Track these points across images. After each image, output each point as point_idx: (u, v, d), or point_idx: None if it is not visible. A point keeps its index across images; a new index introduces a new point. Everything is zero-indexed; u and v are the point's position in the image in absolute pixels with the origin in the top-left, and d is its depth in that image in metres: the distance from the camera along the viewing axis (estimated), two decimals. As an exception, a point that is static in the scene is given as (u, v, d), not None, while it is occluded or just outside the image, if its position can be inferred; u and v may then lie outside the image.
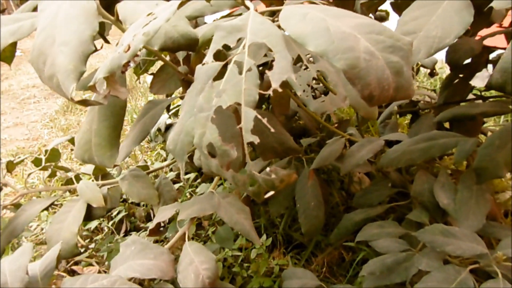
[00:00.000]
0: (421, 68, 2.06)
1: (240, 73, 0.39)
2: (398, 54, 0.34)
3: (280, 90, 0.35)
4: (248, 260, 1.07)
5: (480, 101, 0.96)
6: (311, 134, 1.24)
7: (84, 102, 0.42)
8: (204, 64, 0.39)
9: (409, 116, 1.40)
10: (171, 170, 1.39)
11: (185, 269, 0.52)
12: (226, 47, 0.40)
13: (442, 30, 0.47)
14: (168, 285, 0.52)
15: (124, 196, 1.29)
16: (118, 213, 1.22)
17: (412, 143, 0.81)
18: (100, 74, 0.39)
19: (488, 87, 0.46)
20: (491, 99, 0.96)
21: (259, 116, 0.34)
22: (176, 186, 1.31)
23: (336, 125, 1.20)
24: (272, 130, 0.35)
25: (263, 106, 1.47)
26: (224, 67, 0.42)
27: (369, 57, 0.33)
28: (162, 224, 0.77)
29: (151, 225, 0.64)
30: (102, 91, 0.43)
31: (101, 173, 0.84)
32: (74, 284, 0.43)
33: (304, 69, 0.50)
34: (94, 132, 0.58)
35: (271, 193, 0.36)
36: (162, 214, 0.63)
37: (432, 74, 1.32)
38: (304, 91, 0.49)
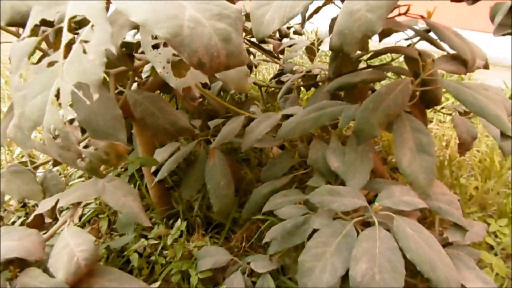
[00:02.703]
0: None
1: (85, 52, 0.38)
2: (225, 21, 0.35)
3: (97, 62, 0.34)
4: (166, 247, 1.06)
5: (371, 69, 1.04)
6: (221, 115, 1.25)
7: None
8: (19, 40, 0.36)
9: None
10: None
11: (58, 253, 0.50)
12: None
13: (293, -1, 0.49)
14: (35, 269, 0.49)
15: (26, 200, 1.19)
16: (18, 219, 1.12)
17: (305, 114, 0.86)
18: None
19: (331, 49, 0.50)
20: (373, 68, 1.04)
21: (75, 90, 0.33)
22: (79, 181, 1.23)
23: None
24: (88, 102, 0.34)
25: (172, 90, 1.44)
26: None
27: (193, 25, 0.34)
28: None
29: (29, 218, 0.60)
30: None
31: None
32: None
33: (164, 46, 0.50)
34: None
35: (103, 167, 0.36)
36: (42, 206, 0.59)
37: (331, 48, 1.40)
38: (164, 68, 0.48)
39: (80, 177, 1.33)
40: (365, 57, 1.05)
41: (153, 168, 1.03)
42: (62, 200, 0.56)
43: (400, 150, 0.76)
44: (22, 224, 1.09)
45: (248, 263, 0.86)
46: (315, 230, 0.74)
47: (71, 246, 0.49)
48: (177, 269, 0.96)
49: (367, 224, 0.73)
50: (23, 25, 0.50)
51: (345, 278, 0.64)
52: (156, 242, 1.06)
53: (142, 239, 1.05)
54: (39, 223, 0.61)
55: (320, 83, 1.20)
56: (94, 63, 0.36)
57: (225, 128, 0.93)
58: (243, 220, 1.17)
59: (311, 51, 1.51)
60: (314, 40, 1.45)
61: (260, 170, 1.39)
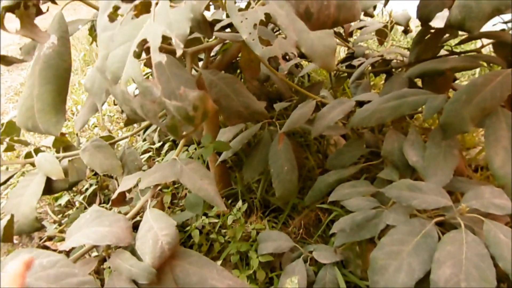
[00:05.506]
0: (398, 27, 2.03)
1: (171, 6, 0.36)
2: (338, -36, 0.31)
3: (183, 16, 0.31)
4: (225, 226, 1.07)
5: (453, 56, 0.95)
6: (286, 98, 1.22)
7: (4, 59, 0.38)
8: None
9: (384, 76, 1.39)
10: (144, 140, 1.36)
11: (144, 236, 0.51)
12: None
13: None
14: (125, 252, 0.51)
15: (96, 169, 1.26)
16: (90, 186, 1.20)
17: (382, 102, 0.80)
18: (5, 1, 0.35)
19: (448, 25, 0.44)
20: (462, 55, 0.94)
21: (168, 31, 0.31)
22: (146, 155, 1.28)
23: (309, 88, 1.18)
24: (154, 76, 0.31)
25: (237, 71, 1.43)
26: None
27: (304, -34, 0.30)
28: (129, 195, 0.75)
29: (113, 195, 0.63)
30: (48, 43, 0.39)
31: (62, 145, 0.81)
32: (16, 256, 0.42)
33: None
34: (36, 98, 0.53)
35: (191, 129, 0.34)
36: (125, 184, 0.61)
37: (406, 31, 1.29)
38: (250, 33, 0.45)
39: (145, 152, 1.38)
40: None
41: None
42: (143, 181, 0.58)
43: (492, 149, 0.69)
44: (93, 191, 1.17)
45: (310, 252, 0.84)
46: (388, 226, 0.70)
47: (155, 229, 0.50)
48: (236, 249, 0.97)
49: (442, 224, 0.67)
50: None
51: (421, 281, 0.59)
52: (215, 220, 1.07)
53: (203, 217, 1.07)
54: (121, 199, 0.64)
55: (393, 69, 1.12)
56: (180, 17, 0.34)
57: (295, 112, 0.89)
58: (301, 207, 1.15)
59: (381, 34, 1.41)
60: (387, 22, 1.35)
61: (319, 157, 1.36)
